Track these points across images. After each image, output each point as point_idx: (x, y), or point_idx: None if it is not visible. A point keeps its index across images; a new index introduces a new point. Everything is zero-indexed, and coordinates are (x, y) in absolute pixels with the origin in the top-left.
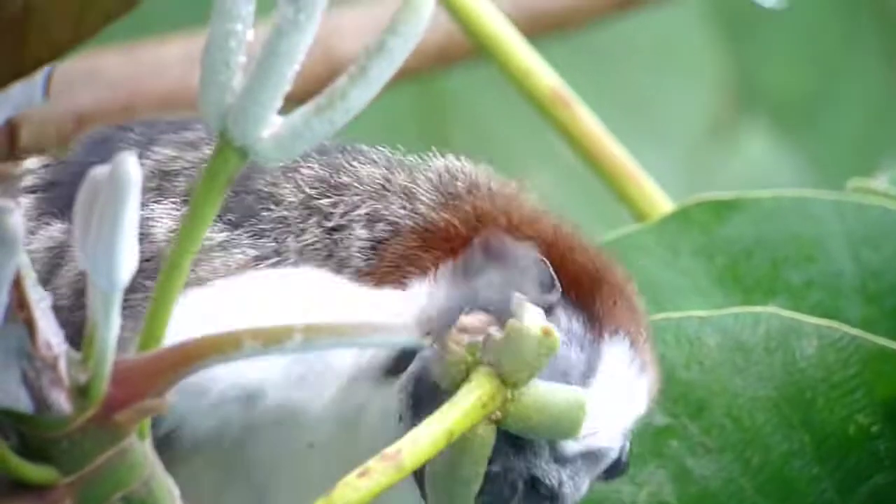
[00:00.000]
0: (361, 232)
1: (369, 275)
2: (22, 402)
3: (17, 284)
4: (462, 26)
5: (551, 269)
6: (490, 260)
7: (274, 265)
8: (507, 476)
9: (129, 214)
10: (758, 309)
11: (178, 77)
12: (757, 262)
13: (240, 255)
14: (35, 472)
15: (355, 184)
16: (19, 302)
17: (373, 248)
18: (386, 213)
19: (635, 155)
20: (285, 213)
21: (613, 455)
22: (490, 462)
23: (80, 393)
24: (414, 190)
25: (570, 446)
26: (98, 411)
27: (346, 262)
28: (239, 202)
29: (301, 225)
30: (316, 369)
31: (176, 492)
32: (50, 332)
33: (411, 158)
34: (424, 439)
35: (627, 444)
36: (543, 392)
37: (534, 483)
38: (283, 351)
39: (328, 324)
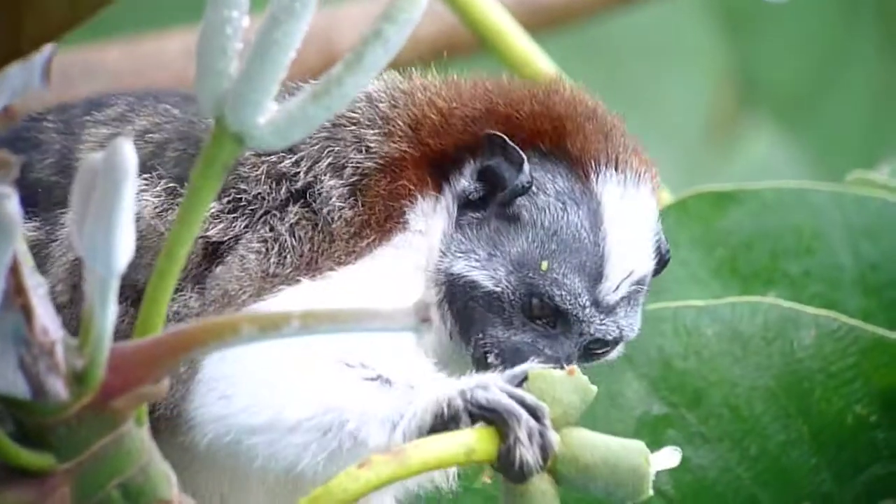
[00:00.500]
0: (333, 182)
1: (366, 225)
2: (19, 387)
3: (15, 271)
4: (462, 19)
5: (508, 140)
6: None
7: (278, 254)
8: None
9: (125, 200)
10: (756, 299)
11: (179, 70)
12: (756, 253)
13: (244, 252)
14: (32, 458)
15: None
16: (16, 288)
17: (351, 193)
18: (346, 159)
19: None
20: (257, 189)
21: (653, 267)
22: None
23: (77, 379)
24: (359, 132)
25: (612, 296)
26: (95, 397)
27: (333, 214)
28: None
29: (276, 198)
30: (346, 447)
31: (173, 478)
32: (47, 318)
33: None
34: (432, 443)
35: (663, 241)
36: (591, 437)
37: (598, 341)
38: (280, 336)
39: (325, 310)
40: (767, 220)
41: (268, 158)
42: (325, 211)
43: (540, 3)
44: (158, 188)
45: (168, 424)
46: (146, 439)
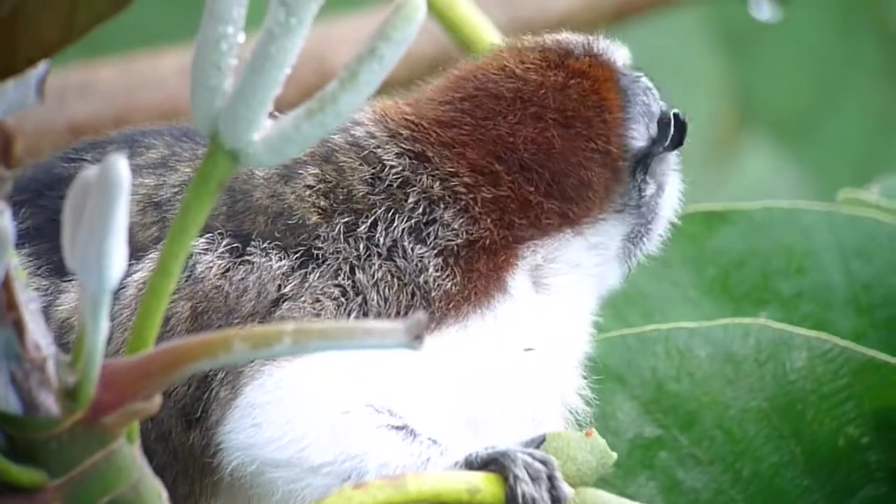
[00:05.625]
0: (420, 249)
1: (466, 299)
2: (10, 403)
3: (7, 286)
4: (452, 36)
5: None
6: None
7: (360, 307)
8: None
9: (118, 216)
10: (748, 320)
11: (173, 89)
12: (748, 273)
13: (320, 295)
14: (23, 474)
15: (370, 195)
16: (8, 303)
17: (445, 264)
18: (423, 229)
19: None
20: (335, 246)
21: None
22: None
23: (69, 395)
24: (430, 209)
25: None
26: (86, 413)
27: (430, 284)
28: (276, 221)
29: (357, 255)
30: None
31: (164, 494)
32: (39, 334)
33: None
34: (432, 475)
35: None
36: (606, 497)
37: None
38: (272, 353)
39: (318, 327)
40: (758, 240)
41: (340, 219)
42: (420, 280)
43: (534, 19)
44: (221, 249)
45: (203, 448)
46: (137, 456)
